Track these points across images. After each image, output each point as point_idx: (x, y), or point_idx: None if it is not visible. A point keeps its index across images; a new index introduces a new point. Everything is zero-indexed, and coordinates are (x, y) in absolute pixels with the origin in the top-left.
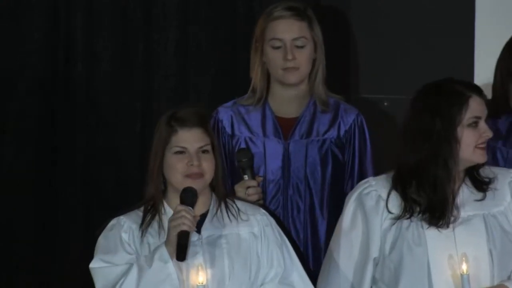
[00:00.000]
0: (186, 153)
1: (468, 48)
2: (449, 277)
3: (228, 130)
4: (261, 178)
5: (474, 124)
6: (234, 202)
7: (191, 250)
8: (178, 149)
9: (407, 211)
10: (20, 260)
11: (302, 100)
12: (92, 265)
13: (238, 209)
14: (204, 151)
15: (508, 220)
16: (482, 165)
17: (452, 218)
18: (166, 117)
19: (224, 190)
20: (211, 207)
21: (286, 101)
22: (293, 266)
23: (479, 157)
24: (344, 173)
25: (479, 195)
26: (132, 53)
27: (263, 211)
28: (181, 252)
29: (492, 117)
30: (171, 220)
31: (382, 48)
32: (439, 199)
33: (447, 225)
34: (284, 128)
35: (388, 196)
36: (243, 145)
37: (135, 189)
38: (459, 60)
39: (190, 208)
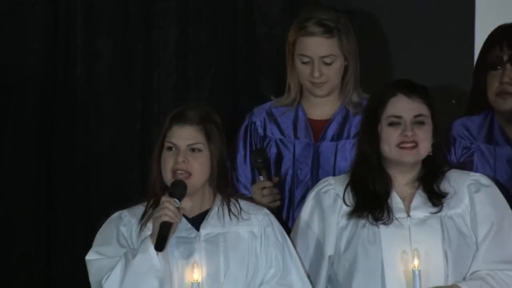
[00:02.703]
0: (175, 150)
1: (468, 48)
2: (401, 274)
3: (261, 131)
4: (277, 179)
5: (395, 123)
6: (237, 202)
7: (188, 247)
8: (169, 144)
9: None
10: (20, 260)
11: (335, 103)
12: (87, 257)
13: (241, 208)
14: (194, 150)
15: (465, 223)
16: (443, 172)
17: (408, 218)
18: (171, 114)
19: (226, 190)
20: (213, 206)
21: (319, 104)
22: (292, 267)
23: (402, 156)
24: None
25: (434, 209)
26: (132, 52)
27: (266, 211)
28: (159, 242)
29: (471, 113)
30: (155, 211)
31: (382, 47)
32: (370, 197)
33: (389, 221)
34: (316, 130)
35: (344, 191)
36: (273, 147)
37: (135, 189)
38: (459, 60)
39: (176, 200)
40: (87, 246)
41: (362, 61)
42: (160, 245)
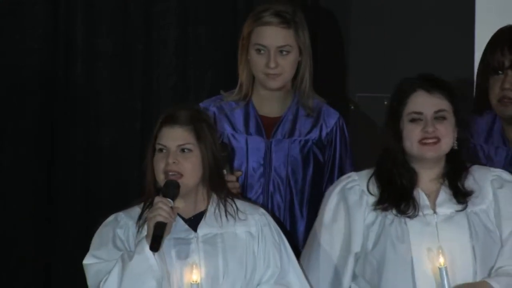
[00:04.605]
0: (166, 151)
1: (468, 47)
2: (431, 271)
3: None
4: (240, 173)
5: (416, 119)
6: (233, 202)
7: (186, 248)
8: (159, 146)
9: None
10: (20, 260)
11: (285, 100)
12: (84, 261)
13: (237, 208)
14: (184, 150)
15: (490, 218)
16: (466, 168)
17: (435, 215)
18: (161, 116)
19: (222, 190)
20: (209, 206)
21: (269, 100)
22: (290, 266)
23: (424, 152)
24: (323, 174)
25: (459, 206)
26: (132, 52)
27: (263, 210)
28: (154, 243)
29: (476, 113)
30: (149, 212)
31: (382, 46)
32: (396, 191)
33: (415, 215)
34: (267, 126)
35: (368, 181)
36: (227, 143)
37: (135, 188)
38: (459, 59)
39: (169, 199)
40: (87, 246)
41: (361, 59)
42: (155, 246)
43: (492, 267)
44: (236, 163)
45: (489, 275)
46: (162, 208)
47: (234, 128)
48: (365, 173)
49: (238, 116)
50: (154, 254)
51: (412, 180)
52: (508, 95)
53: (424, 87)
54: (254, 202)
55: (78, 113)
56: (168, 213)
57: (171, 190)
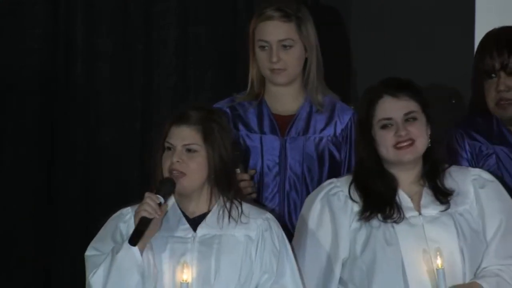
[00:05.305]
0: (173, 150)
1: (468, 47)
2: (424, 273)
3: None
4: (254, 171)
5: (387, 125)
6: (240, 204)
7: (181, 247)
8: (167, 145)
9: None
10: (20, 259)
11: (297, 98)
12: (86, 252)
13: (242, 211)
14: (189, 150)
15: (473, 218)
16: (444, 168)
17: (420, 217)
18: (173, 114)
19: (230, 192)
20: (214, 207)
21: (282, 99)
22: (287, 270)
23: (401, 156)
24: (340, 170)
25: (442, 206)
26: (132, 52)
27: (268, 215)
28: (134, 237)
29: (475, 115)
30: (138, 207)
31: (382, 46)
32: (377, 197)
33: (400, 220)
34: (281, 125)
35: (349, 188)
36: (241, 142)
37: (135, 188)
38: (459, 60)
39: (158, 196)
40: (87, 246)
41: (361, 60)
42: (133, 240)
43: (478, 267)
44: (251, 163)
45: (475, 275)
46: (148, 203)
47: (248, 128)
48: (345, 180)
49: (251, 116)
50: (142, 252)
51: (391, 185)
52: (505, 97)
53: (389, 92)
54: (265, 206)
55: (78, 113)
56: (154, 210)
57: (164, 187)
